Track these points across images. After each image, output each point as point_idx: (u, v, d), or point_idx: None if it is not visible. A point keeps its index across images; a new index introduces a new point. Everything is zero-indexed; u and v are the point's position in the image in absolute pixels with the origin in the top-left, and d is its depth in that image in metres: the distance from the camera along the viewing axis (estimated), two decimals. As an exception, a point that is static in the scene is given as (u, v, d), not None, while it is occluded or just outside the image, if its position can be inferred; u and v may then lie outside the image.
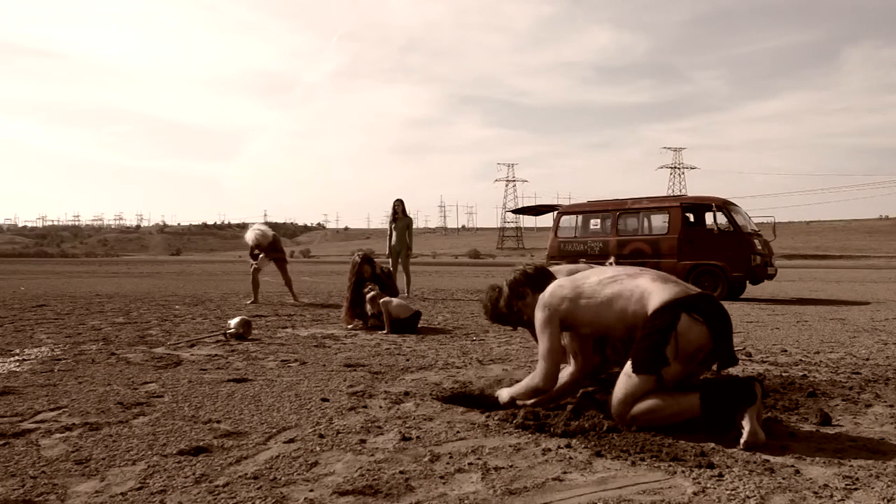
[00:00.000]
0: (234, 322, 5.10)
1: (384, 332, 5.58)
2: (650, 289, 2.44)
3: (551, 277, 2.83)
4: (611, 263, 3.82)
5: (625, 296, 2.46)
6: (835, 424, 2.53)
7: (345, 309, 6.17)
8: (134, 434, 2.33)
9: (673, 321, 2.30)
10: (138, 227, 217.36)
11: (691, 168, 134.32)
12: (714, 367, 2.49)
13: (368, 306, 5.79)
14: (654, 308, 2.37)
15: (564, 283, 2.66)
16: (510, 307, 2.90)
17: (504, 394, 2.76)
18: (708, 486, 1.82)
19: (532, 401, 2.71)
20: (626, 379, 2.38)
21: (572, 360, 2.79)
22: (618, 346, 3.05)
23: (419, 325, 5.81)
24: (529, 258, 66.75)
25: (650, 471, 1.95)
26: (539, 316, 2.63)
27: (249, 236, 8.69)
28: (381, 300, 5.70)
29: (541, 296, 2.69)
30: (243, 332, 5.01)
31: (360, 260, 6.26)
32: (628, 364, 2.39)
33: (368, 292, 5.82)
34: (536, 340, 2.73)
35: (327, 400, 2.91)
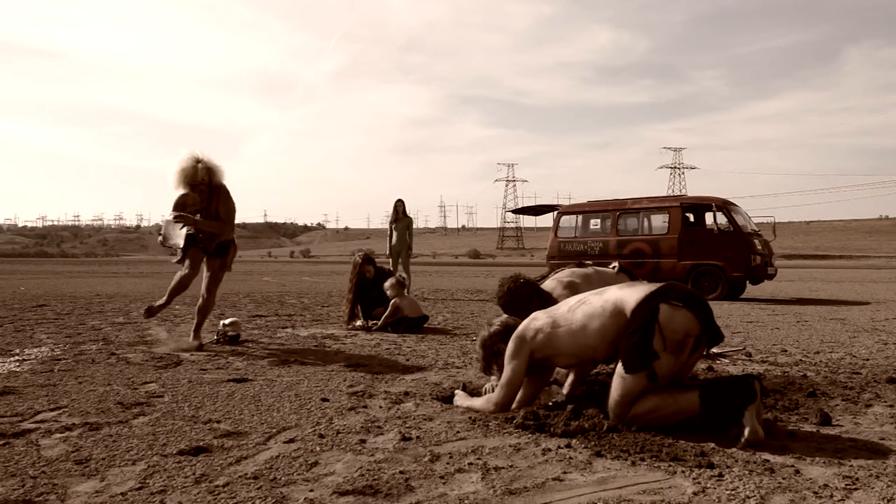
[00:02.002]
0: (225, 322, 5.01)
1: (380, 328, 5.61)
2: (621, 296, 2.45)
3: (514, 326, 2.75)
4: (614, 267, 3.81)
5: (597, 313, 2.45)
6: (835, 424, 2.53)
7: (346, 309, 6.16)
8: (134, 434, 2.33)
9: (653, 314, 2.31)
10: (138, 227, 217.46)
11: (691, 168, 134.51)
12: (706, 352, 2.48)
13: (389, 290, 5.78)
14: (632, 308, 2.38)
15: (539, 315, 2.64)
16: (489, 368, 2.83)
17: (460, 402, 2.77)
18: (708, 486, 1.82)
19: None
20: (619, 380, 2.37)
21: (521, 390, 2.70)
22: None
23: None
24: (529, 258, 66.75)
25: (650, 471, 1.95)
26: (510, 346, 2.62)
27: (174, 170, 4.47)
28: (394, 298, 5.70)
29: (519, 326, 2.67)
30: (235, 333, 4.93)
31: (361, 260, 6.25)
32: (620, 365, 2.39)
33: (395, 279, 5.85)
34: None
35: (327, 400, 2.91)
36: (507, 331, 2.75)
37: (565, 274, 3.45)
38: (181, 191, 4.48)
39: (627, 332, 2.37)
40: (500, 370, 2.73)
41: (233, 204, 4.64)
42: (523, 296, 3.07)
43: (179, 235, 4.56)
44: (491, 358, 2.79)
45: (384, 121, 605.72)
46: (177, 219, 4.50)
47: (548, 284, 3.41)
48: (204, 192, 4.53)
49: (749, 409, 2.21)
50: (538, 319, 2.61)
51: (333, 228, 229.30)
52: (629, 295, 2.43)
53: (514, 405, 2.65)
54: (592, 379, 3.31)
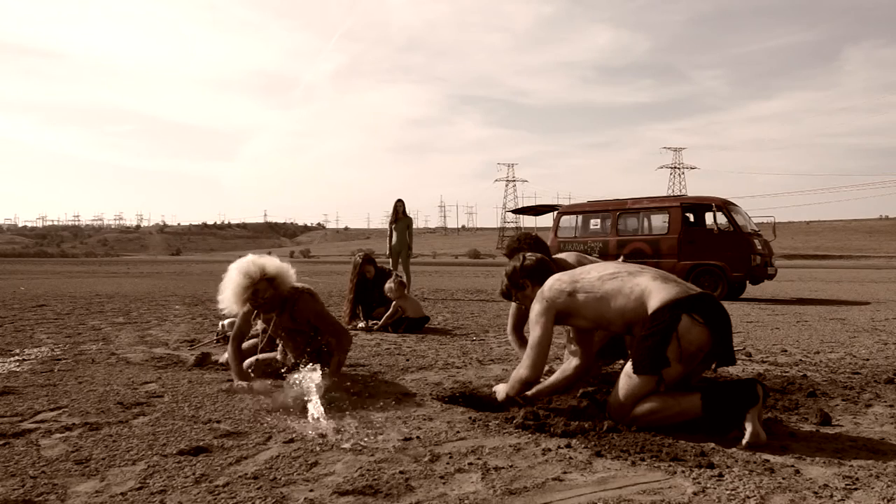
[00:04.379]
0: (225, 323, 5.00)
1: (380, 328, 5.60)
2: (650, 287, 2.43)
3: (552, 270, 2.84)
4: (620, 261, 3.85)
5: (624, 293, 2.46)
6: (835, 424, 2.53)
7: (346, 310, 6.16)
8: (134, 434, 2.33)
9: (673, 322, 2.30)
10: (138, 227, 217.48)
11: (691, 168, 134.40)
12: (713, 367, 2.49)
13: (391, 293, 5.73)
14: (654, 308, 2.36)
15: (563, 276, 2.67)
16: (509, 296, 2.96)
17: (500, 390, 2.77)
18: (708, 486, 1.82)
19: (533, 391, 2.73)
20: (626, 379, 2.37)
21: (577, 354, 2.78)
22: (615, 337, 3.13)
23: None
24: (529, 258, 66.73)
25: (650, 471, 1.95)
26: (535, 307, 2.65)
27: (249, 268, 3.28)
28: (398, 298, 5.68)
29: (540, 289, 2.70)
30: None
31: (361, 261, 6.25)
32: (629, 364, 2.39)
33: (395, 280, 5.81)
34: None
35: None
36: (539, 266, 2.85)
37: (577, 252, 3.61)
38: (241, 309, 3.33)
39: (643, 332, 2.36)
40: (518, 301, 2.93)
41: (320, 306, 3.45)
42: (531, 247, 3.22)
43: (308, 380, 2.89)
44: (512, 289, 2.92)
45: (384, 120, 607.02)
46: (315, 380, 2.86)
47: (561, 255, 3.61)
48: (272, 305, 3.35)
49: (751, 411, 2.21)
50: (562, 281, 2.63)
51: (333, 228, 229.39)
52: (657, 291, 2.41)
53: (577, 364, 2.72)
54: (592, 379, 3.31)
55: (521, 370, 2.66)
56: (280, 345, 3.50)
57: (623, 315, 2.46)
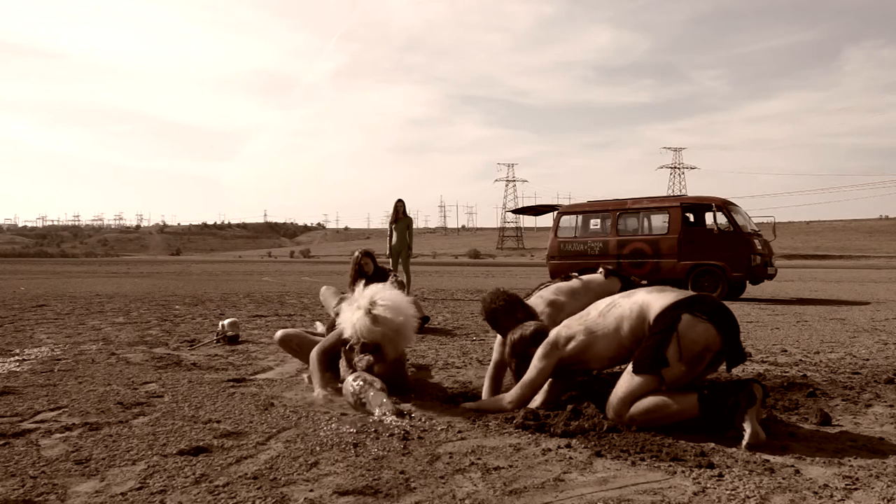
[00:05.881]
0: (225, 323, 5.00)
1: None
2: (648, 300, 2.46)
3: (545, 332, 2.74)
4: (600, 272, 3.63)
5: (626, 316, 2.47)
6: (835, 424, 2.53)
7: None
8: (134, 434, 2.33)
9: (674, 322, 2.31)
10: (138, 227, 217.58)
11: (691, 168, 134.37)
12: (723, 367, 2.47)
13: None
14: (655, 314, 2.38)
15: (571, 323, 2.65)
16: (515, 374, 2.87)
17: (470, 405, 2.77)
18: (708, 486, 1.82)
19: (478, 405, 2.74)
20: (627, 378, 2.38)
21: (541, 392, 2.72)
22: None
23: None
24: (529, 258, 66.71)
25: (650, 471, 1.95)
26: (540, 350, 2.63)
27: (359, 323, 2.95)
28: None
29: (551, 332, 2.68)
30: (234, 333, 4.93)
31: (360, 255, 6.25)
32: (630, 364, 2.40)
33: (394, 280, 5.77)
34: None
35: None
36: (534, 335, 2.74)
37: (549, 291, 3.36)
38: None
39: (647, 335, 2.38)
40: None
41: (401, 367, 3.20)
42: (505, 307, 3.00)
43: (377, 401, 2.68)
44: (516, 361, 2.78)
45: (384, 120, 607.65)
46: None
47: (531, 301, 3.28)
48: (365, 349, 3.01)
49: (749, 412, 2.21)
50: (570, 328, 2.61)
51: (333, 228, 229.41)
52: (655, 300, 2.44)
53: (537, 406, 2.65)
54: (592, 379, 3.30)
55: (503, 403, 2.65)
56: (343, 355, 3.25)
57: (635, 336, 2.45)
